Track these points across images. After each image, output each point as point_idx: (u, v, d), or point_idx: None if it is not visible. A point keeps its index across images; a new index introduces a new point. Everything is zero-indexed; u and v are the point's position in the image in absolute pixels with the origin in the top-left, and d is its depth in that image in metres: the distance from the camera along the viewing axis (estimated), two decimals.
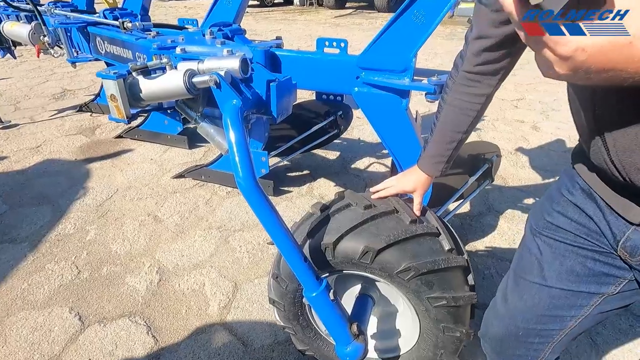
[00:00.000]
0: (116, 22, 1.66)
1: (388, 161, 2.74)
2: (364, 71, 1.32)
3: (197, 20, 1.92)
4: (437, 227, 1.04)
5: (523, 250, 0.80)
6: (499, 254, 1.90)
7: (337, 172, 2.61)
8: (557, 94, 4.23)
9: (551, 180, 2.55)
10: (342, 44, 1.39)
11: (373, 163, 2.72)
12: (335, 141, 2.67)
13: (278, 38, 1.72)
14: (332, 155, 2.86)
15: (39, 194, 2.32)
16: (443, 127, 0.95)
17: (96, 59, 2.12)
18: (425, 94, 1.26)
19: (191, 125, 2.91)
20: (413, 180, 1.08)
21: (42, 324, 1.50)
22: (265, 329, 1.50)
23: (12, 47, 3.20)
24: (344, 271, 1.06)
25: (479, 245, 1.96)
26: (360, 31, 8.18)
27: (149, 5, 2.41)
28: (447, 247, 1.00)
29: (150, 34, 1.53)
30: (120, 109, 0.99)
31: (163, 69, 1.01)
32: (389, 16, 8.56)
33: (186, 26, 1.86)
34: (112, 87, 0.97)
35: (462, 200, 1.82)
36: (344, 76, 1.34)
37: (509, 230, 2.06)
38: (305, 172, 2.62)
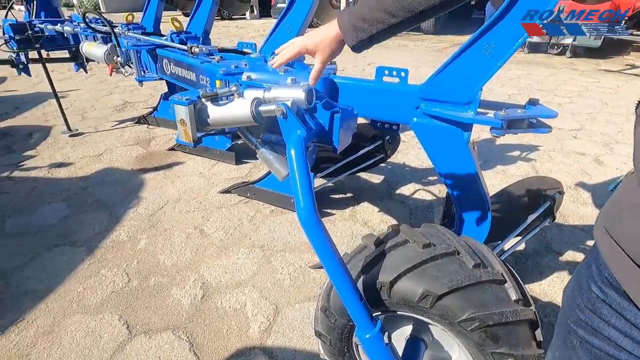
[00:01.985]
0: (184, 47, 1.76)
1: (434, 188, 2.64)
2: (424, 102, 1.29)
3: (255, 45, 2.00)
4: (502, 273, 0.96)
5: (565, 334, 0.63)
6: (558, 300, 1.74)
7: (381, 197, 2.56)
8: (622, 125, 3.93)
9: None
10: (403, 74, 1.37)
11: (419, 190, 2.64)
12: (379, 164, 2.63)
13: (332, 63, 1.73)
14: (376, 178, 2.81)
15: (98, 201, 2.47)
16: None
17: (160, 79, 2.27)
18: (491, 129, 1.19)
19: (239, 142, 3.00)
20: (319, 37, 0.86)
21: (93, 329, 1.56)
22: (305, 358, 1.46)
23: (85, 63, 3.52)
24: (398, 312, 1.01)
25: (536, 288, 1.81)
26: (405, 53, 8.17)
27: (210, 28, 2.55)
28: (514, 297, 0.92)
29: (214, 58, 1.60)
30: (188, 133, 1.03)
31: (230, 97, 1.04)
32: (435, 38, 8.46)
33: (245, 50, 1.94)
34: (182, 112, 1.01)
35: (519, 239, 1.70)
36: (403, 106, 1.31)
37: (569, 275, 1.89)
38: (349, 195, 2.59)
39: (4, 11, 3.33)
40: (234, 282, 1.82)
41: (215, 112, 1.03)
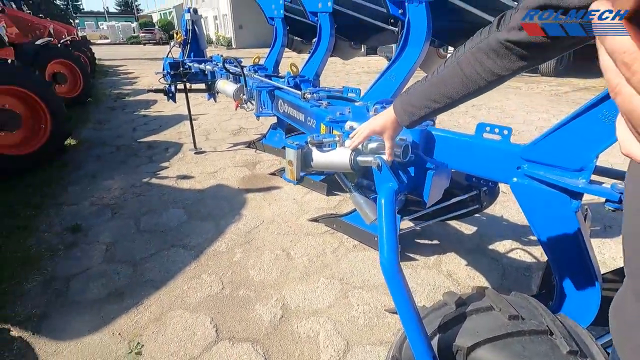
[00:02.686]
0: (299, 92, 2.02)
1: (535, 250, 2.39)
2: (527, 163, 1.24)
3: (359, 90, 2.16)
4: None
5: None
6: None
7: (470, 250, 2.41)
8: None
9: None
10: (506, 132, 1.33)
11: (516, 249, 2.41)
12: None
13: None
14: (467, 228, 2.67)
15: (208, 213, 2.87)
16: (438, 83, 0.88)
17: (274, 115, 2.60)
18: (605, 201, 1.09)
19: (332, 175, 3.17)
20: (382, 121, 1.02)
21: (190, 325, 1.81)
22: None
23: (216, 94, 4.19)
24: None
25: None
26: (516, 96, 7.62)
27: (321, 72, 2.84)
28: None
29: (322, 104, 1.80)
30: (293, 172, 1.19)
31: (334, 145, 1.17)
32: (554, 81, 7.67)
33: (350, 94, 2.11)
34: (292, 155, 1.17)
35: None
36: (502, 165, 1.28)
37: None
38: (435, 241, 2.51)
39: (162, 49, 4.24)
40: (311, 309, 1.91)
41: (319, 158, 1.17)
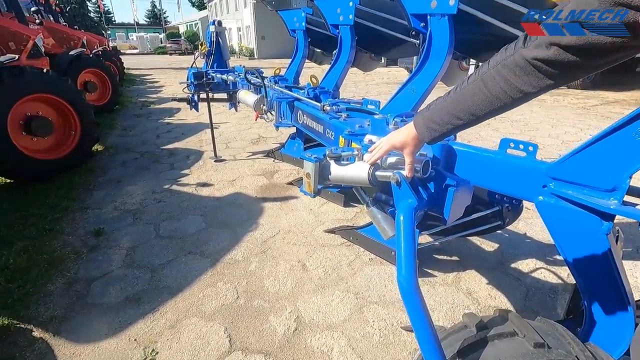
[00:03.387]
0: (318, 104, 2.03)
1: (561, 270, 2.28)
2: (554, 181, 1.19)
3: (379, 102, 2.14)
4: None
5: None
6: None
7: (491, 268, 2.33)
8: None
9: None
10: (531, 148, 1.29)
11: (540, 268, 2.31)
12: None
13: None
14: (488, 245, 2.58)
15: (225, 220, 2.90)
16: (461, 99, 0.86)
17: (293, 126, 2.62)
18: None
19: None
20: (403, 136, 1.00)
21: (204, 334, 1.81)
22: None
23: (237, 103, 4.27)
24: None
25: None
26: (541, 108, 7.42)
27: (341, 83, 2.85)
28: None
29: (341, 116, 1.80)
30: (311, 185, 1.18)
31: (352, 159, 1.16)
32: (582, 94, 7.45)
33: (370, 106, 2.10)
34: (309, 167, 1.17)
35: None
36: (528, 183, 1.23)
37: None
38: (454, 258, 2.43)
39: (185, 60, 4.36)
40: (325, 323, 1.88)
41: (337, 171, 1.16)
